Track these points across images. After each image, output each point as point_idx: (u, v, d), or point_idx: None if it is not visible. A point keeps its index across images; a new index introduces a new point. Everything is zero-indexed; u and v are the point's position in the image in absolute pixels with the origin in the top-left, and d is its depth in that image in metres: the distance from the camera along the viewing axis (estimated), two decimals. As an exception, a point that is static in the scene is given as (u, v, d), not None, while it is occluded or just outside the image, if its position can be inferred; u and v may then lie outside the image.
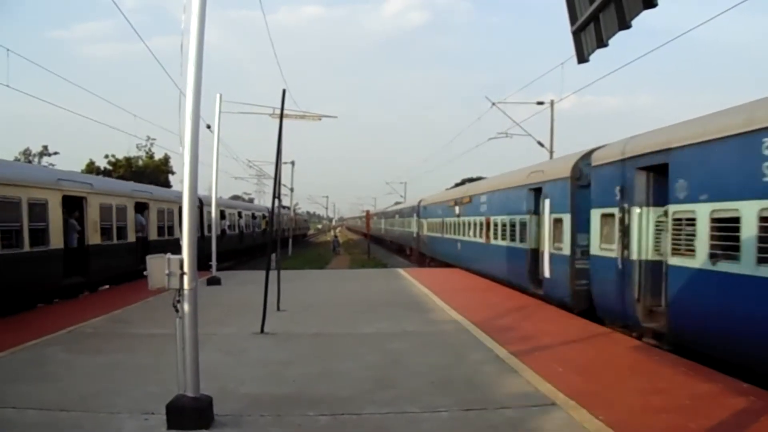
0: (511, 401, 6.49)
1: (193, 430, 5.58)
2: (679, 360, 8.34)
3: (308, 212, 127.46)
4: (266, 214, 42.86)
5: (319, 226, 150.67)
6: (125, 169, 49.65)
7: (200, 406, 5.76)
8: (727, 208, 7.90)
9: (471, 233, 23.14)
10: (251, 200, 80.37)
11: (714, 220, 8.17)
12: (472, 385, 7.15)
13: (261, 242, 42.01)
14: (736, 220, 7.66)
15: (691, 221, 8.69)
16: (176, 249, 5.94)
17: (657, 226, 10.04)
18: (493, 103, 27.54)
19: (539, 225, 15.34)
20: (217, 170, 19.55)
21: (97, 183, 18.74)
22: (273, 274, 11.47)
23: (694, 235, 8.63)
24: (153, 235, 21.88)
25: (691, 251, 8.74)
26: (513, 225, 17.64)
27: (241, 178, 64.09)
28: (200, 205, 27.00)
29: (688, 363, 8.14)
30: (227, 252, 31.35)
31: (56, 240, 14.82)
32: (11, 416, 6.05)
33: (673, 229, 9.21)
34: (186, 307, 5.80)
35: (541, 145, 27.79)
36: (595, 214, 11.93)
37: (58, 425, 5.85)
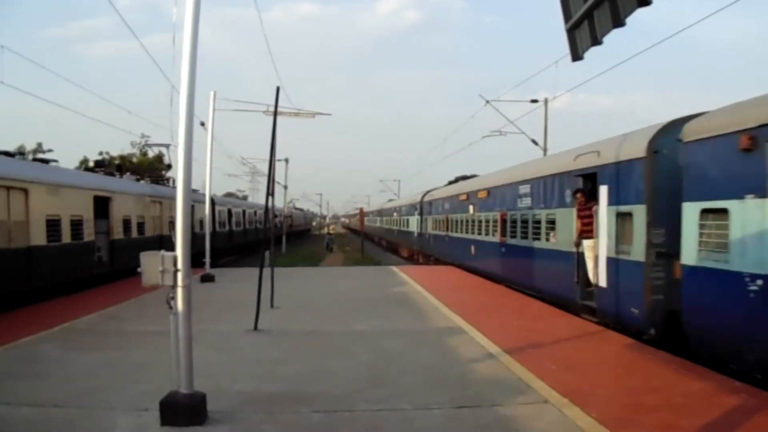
0: (504, 399, 6.51)
1: (187, 427, 5.58)
2: (672, 358, 8.38)
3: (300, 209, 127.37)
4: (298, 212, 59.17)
5: (313, 224, 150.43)
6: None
7: (194, 403, 5.77)
8: None
9: (491, 232, 19.59)
10: (245, 197, 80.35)
11: None
12: (464, 383, 7.17)
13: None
14: None
15: None
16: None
17: None
18: (488, 101, 27.56)
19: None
20: (211, 167, 19.58)
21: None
22: (266, 271, 11.47)
23: None
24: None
25: None
26: (552, 221, 14.01)
27: (235, 176, 64.29)
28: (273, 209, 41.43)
29: (682, 361, 8.18)
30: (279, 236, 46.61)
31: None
32: (5, 412, 6.04)
33: None
34: (180, 304, 5.80)
35: (535, 143, 27.90)
36: (692, 210, 8.45)
37: (52, 421, 5.85)
